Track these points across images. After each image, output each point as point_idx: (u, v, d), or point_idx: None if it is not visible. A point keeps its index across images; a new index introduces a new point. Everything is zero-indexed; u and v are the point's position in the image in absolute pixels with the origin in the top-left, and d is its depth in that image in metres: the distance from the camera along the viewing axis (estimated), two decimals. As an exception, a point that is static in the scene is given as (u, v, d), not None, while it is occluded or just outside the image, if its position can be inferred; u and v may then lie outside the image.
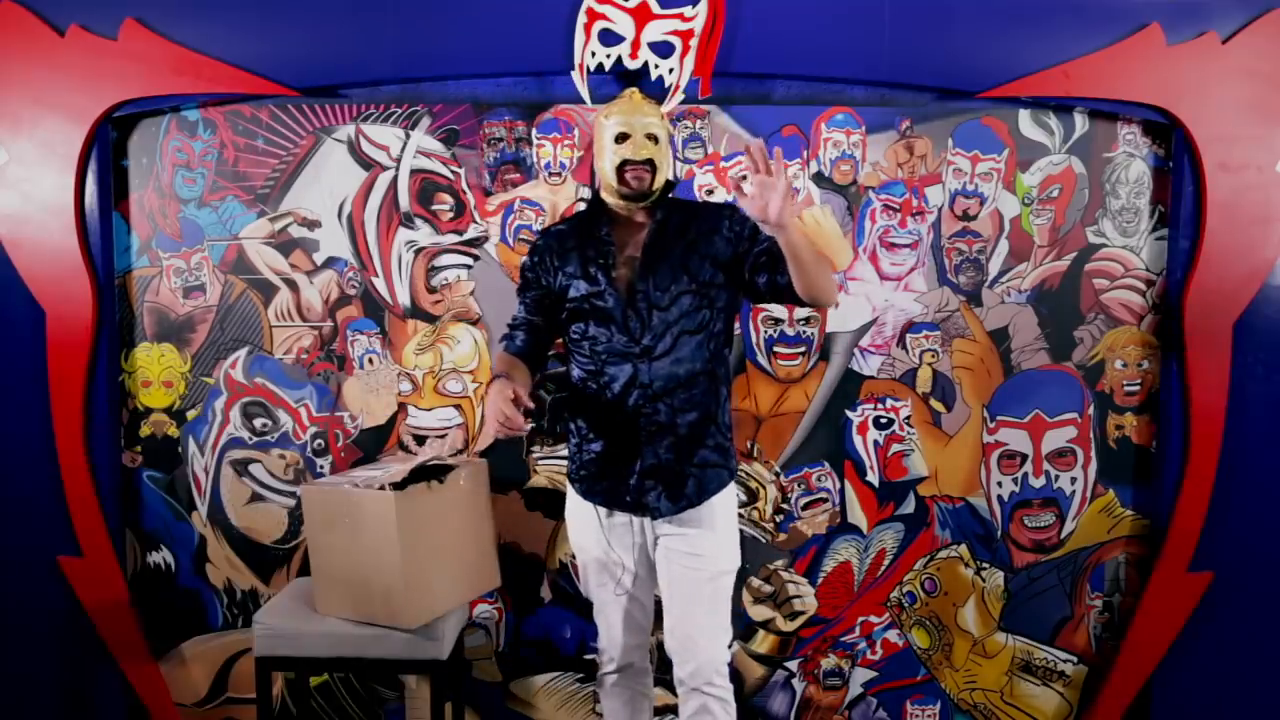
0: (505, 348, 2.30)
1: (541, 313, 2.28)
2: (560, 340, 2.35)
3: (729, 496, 2.28)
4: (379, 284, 2.79)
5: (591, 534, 2.29)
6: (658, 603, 2.36)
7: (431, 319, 2.79)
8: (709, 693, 2.22)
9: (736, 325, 2.72)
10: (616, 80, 2.67)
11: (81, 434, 2.70)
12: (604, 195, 2.25)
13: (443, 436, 2.81)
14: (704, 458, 2.22)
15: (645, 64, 2.61)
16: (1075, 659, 2.88)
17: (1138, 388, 2.82)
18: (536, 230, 2.73)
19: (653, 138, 2.19)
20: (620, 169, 2.17)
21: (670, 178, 2.26)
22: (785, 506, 2.83)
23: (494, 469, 2.56)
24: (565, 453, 2.78)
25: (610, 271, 2.20)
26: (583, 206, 2.71)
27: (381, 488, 2.24)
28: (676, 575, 2.23)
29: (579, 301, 2.21)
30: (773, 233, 1.97)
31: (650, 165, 2.17)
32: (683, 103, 2.65)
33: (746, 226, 2.21)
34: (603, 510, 2.26)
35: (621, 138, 2.18)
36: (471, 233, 2.77)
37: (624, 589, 2.28)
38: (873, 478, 2.83)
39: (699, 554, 2.21)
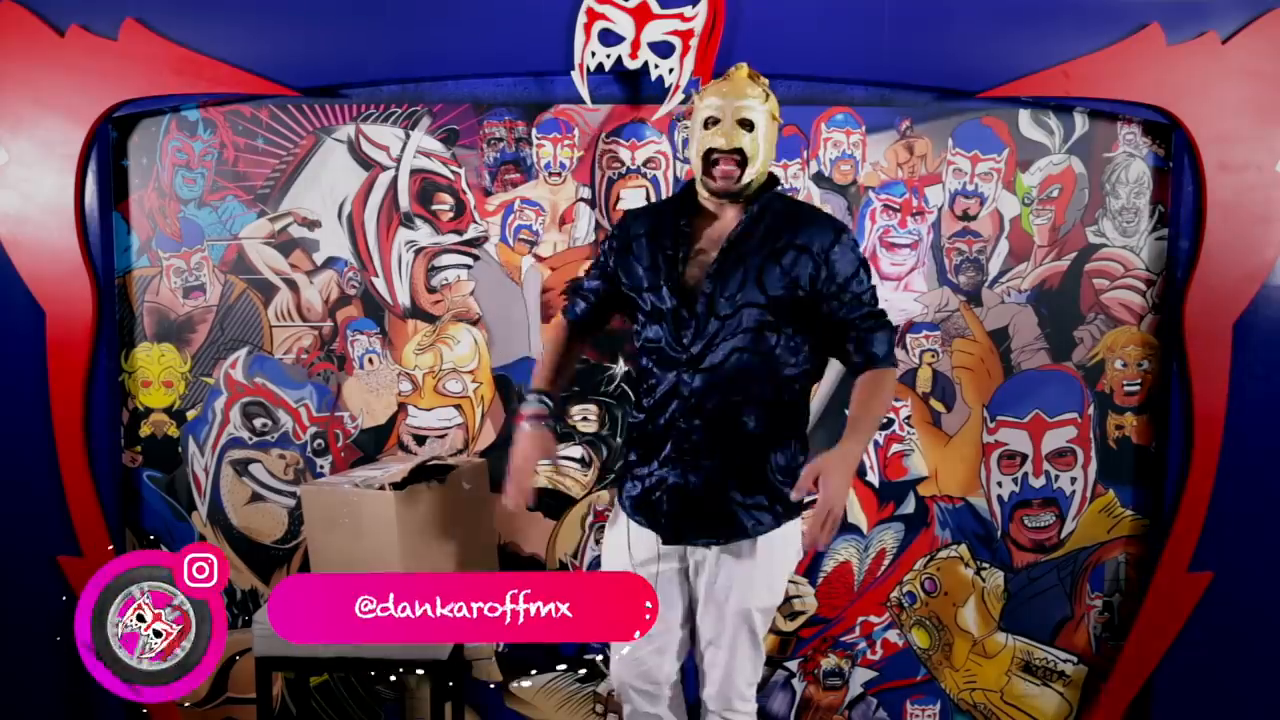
0: (565, 312, 2.19)
1: (610, 292, 2.14)
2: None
3: (780, 537, 2.03)
4: (379, 284, 2.79)
5: (623, 557, 2.08)
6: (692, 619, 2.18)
7: (431, 319, 2.79)
8: (728, 718, 2.12)
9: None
10: (617, 80, 2.67)
11: (81, 434, 2.70)
12: (697, 184, 2.05)
13: (443, 436, 2.81)
14: (747, 498, 1.98)
15: (645, 64, 2.61)
16: (1075, 659, 2.88)
17: (1138, 388, 2.82)
18: (536, 230, 2.73)
19: (747, 124, 1.94)
20: (707, 158, 1.96)
21: (772, 171, 2.07)
22: (785, 506, 2.82)
23: (494, 469, 2.56)
24: (566, 453, 2.79)
25: (677, 267, 1.99)
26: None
27: (381, 488, 2.25)
28: (708, 603, 2.06)
29: (637, 294, 2.05)
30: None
31: (740, 156, 1.94)
32: (683, 103, 2.65)
33: (839, 267, 1.96)
34: (648, 533, 2.07)
35: (711, 122, 1.95)
36: (471, 233, 2.77)
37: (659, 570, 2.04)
38: (873, 478, 2.83)
39: (731, 586, 2.02)
